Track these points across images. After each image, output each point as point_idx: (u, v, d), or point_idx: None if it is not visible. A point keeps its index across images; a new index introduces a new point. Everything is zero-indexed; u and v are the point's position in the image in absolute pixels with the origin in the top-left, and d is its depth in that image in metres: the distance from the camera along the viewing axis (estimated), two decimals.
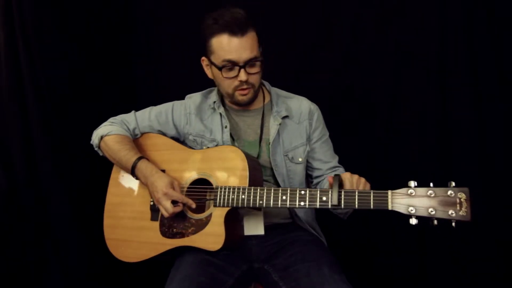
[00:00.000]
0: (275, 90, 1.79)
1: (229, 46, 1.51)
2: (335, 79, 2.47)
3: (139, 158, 1.62)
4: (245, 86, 1.58)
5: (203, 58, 1.66)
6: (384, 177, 2.39)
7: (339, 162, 1.82)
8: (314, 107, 1.77)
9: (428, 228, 2.27)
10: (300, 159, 1.70)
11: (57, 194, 2.30)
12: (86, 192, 2.30)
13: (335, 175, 1.37)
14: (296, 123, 1.72)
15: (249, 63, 1.54)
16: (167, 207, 1.51)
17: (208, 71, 1.68)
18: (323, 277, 1.38)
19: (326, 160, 1.75)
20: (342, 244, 1.99)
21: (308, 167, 1.77)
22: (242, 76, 1.54)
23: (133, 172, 1.62)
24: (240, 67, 1.53)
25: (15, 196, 2.22)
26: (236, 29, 1.49)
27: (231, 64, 1.53)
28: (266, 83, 1.79)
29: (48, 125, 2.26)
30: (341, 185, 1.37)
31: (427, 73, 2.32)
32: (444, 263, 2.33)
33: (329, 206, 1.35)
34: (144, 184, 1.62)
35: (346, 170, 1.82)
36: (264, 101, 1.75)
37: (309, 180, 1.81)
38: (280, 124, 1.68)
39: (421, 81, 2.33)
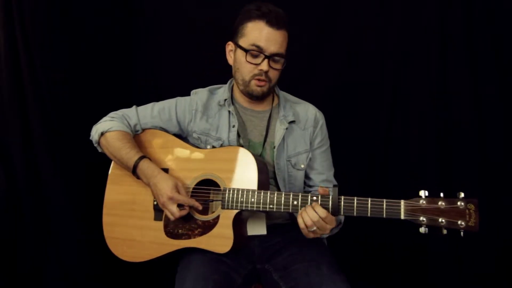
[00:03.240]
0: (283, 94, 1.78)
1: (263, 33, 1.54)
2: (335, 80, 2.47)
3: (141, 158, 1.59)
4: (263, 77, 1.58)
5: (229, 42, 1.67)
6: (384, 178, 2.41)
7: (340, 164, 1.80)
8: (320, 115, 1.76)
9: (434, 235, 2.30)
10: (302, 166, 1.69)
11: (57, 194, 2.30)
12: (86, 192, 2.29)
13: (334, 185, 1.40)
14: (302, 129, 1.71)
15: (274, 56, 1.56)
16: (173, 211, 1.49)
17: (230, 57, 1.68)
18: (322, 277, 1.38)
19: (321, 171, 1.73)
20: (342, 244, 1.98)
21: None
22: (264, 65, 1.56)
23: (134, 171, 1.60)
24: (266, 57, 1.55)
25: (15, 196, 2.21)
26: (273, 21, 1.54)
27: (258, 51, 1.55)
28: (275, 87, 1.78)
29: (48, 125, 2.26)
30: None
31: (427, 72, 2.32)
32: (445, 263, 2.33)
33: (341, 214, 1.36)
34: (146, 184, 1.60)
35: (347, 173, 1.82)
36: (272, 103, 1.74)
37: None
38: (286, 128, 1.68)
39: (421, 81, 2.33)
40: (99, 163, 1.80)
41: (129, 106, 1.80)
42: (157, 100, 1.81)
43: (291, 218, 1.71)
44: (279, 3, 2.40)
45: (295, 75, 2.47)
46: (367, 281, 2.38)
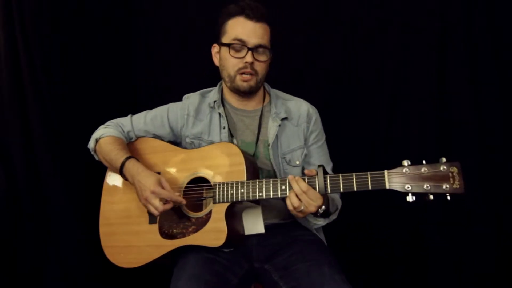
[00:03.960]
0: (274, 92, 1.79)
1: (243, 27, 1.58)
2: (334, 79, 2.47)
3: (128, 158, 1.61)
4: (248, 70, 1.60)
5: (214, 44, 1.71)
6: None
7: (340, 163, 1.80)
8: (313, 110, 1.77)
9: (429, 228, 2.30)
10: (297, 162, 1.70)
11: (57, 194, 2.30)
12: (86, 192, 2.29)
13: (318, 165, 1.42)
14: (295, 125, 1.72)
15: (257, 48, 1.59)
16: (156, 206, 1.50)
17: (216, 59, 1.71)
18: (324, 277, 1.39)
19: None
20: (342, 239, 1.99)
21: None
22: (249, 57, 1.58)
23: (121, 171, 1.61)
24: (249, 49, 1.58)
25: (15, 196, 2.21)
26: (252, 14, 1.57)
27: (240, 44, 1.58)
28: (266, 85, 1.79)
29: (48, 125, 2.26)
30: (325, 172, 1.42)
31: (427, 73, 2.32)
32: (445, 261, 2.33)
33: (329, 191, 1.39)
34: (131, 184, 1.60)
35: (346, 170, 1.82)
36: (263, 102, 1.75)
37: None
38: (279, 125, 1.68)
39: (421, 81, 2.33)
40: (99, 163, 1.80)
41: (129, 106, 1.82)
42: (157, 99, 1.84)
43: (290, 217, 1.71)
44: (279, 3, 2.43)
45: (295, 75, 2.48)
46: (367, 275, 2.38)
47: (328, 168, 1.76)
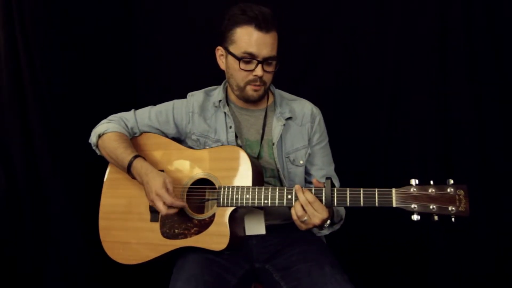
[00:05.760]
0: (279, 92, 1.79)
1: (252, 40, 1.53)
2: (335, 80, 2.47)
3: (135, 157, 1.59)
4: (258, 82, 1.59)
5: (219, 47, 1.66)
6: (384, 178, 2.41)
7: (340, 164, 1.81)
8: (316, 110, 1.77)
9: (429, 229, 2.30)
10: (301, 162, 1.70)
11: (57, 194, 2.30)
12: (86, 192, 2.29)
13: (326, 178, 1.41)
14: (299, 125, 1.72)
15: (267, 60, 1.56)
16: (160, 208, 1.49)
17: (221, 62, 1.68)
18: (325, 277, 1.38)
19: (322, 167, 1.74)
20: (343, 240, 1.98)
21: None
22: (258, 71, 1.55)
23: (129, 170, 1.60)
24: (258, 62, 1.55)
25: (15, 196, 2.21)
26: (262, 24, 1.52)
27: (250, 57, 1.54)
28: (271, 85, 1.79)
29: (48, 125, 2.26)
30: (333, 185, 1.41)
31: (427, 73, 2.32)
32: (445, 262, 2.33)
33: (335, 205, 1.38)
34: (140, 183, 1.59)
35: (347, 173, 1.82)
36: (267, 102, 1.75)
37: None
38: (284, 125, 1.68)
39: (421, 81, 2.33)
40: (99, 163, 1.80)
41: (129, 106, 1.81)
42: (157, 99, 1.82)
43: (291, 218, 1.71)
44: (279, 3, 2.42)
45: (296, 75, 2.48)
46: (368, 275, 2.38)
47: (331, 169, 1.77)
